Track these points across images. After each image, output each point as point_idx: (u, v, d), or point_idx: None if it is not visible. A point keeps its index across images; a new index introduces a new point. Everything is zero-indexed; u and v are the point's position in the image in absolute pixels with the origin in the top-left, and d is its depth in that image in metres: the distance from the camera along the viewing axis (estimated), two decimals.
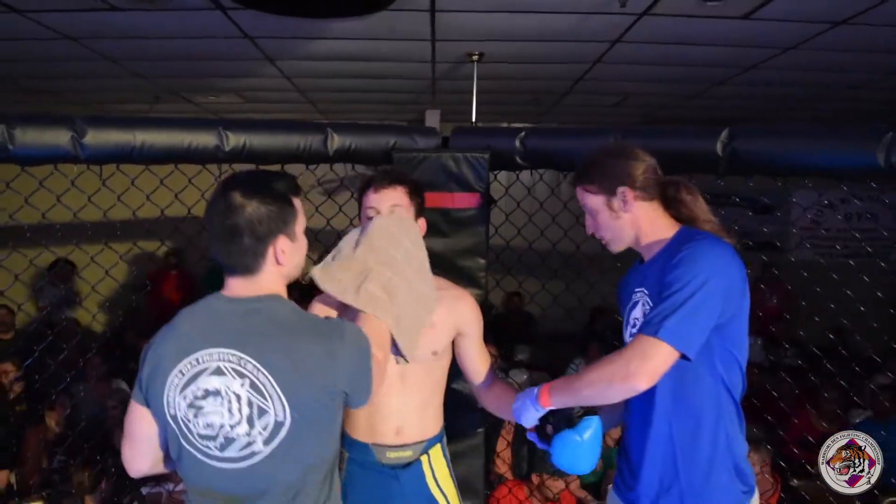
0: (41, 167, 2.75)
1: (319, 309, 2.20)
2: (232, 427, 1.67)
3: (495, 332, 4.95)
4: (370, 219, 2.20)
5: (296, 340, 1.68)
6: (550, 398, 1.98)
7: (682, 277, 1.85)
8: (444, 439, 2.49)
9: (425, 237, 2.88)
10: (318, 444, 1.73)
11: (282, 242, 1.72)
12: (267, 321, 1.69)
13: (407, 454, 2.34)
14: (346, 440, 2.29)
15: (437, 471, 2.42)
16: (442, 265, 2.92)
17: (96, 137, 2.65)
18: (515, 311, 7.64)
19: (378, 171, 2.39)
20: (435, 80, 5.84)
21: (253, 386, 1.65)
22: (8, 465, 4.66)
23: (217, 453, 1.69)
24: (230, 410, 1.66)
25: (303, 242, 1.81)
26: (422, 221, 2.31)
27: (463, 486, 2.62)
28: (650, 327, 1.83)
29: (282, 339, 1.67)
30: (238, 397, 1.66)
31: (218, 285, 1.77)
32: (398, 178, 2.29)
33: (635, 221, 2.02)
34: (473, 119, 4.28)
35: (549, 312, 5.32)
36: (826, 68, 5.20)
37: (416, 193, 2.30)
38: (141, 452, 1.83)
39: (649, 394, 1.95)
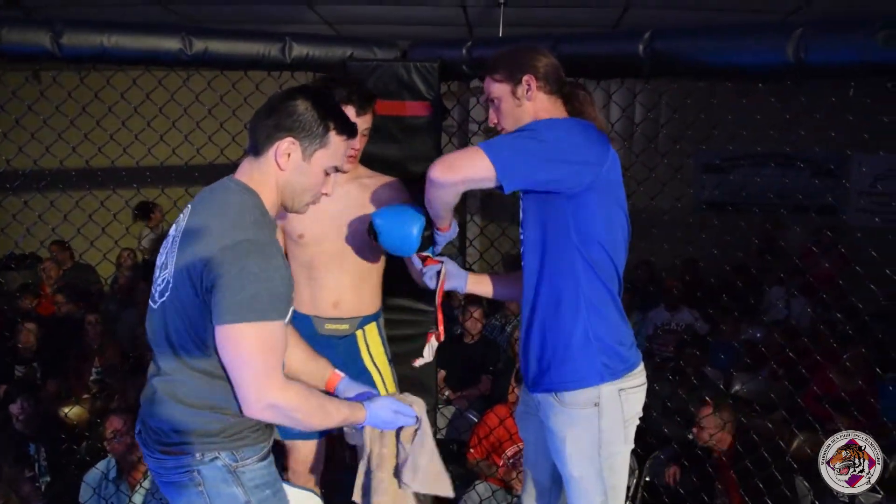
0: None
1: None
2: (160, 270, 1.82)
3: None
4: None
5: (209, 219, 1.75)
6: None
7: (528, 126, 2.00)
8: (381, 320, 2.68)
9: (381, 142, 3.01)
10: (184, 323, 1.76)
11: (292, 146, 1.78)
12: (215, 193, 1.81)
13: (343, 327, 2.56)
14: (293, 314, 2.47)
15: (372, 347, 2.64)
16: (396, 170, 3.02)
17: (73, 38, 2.86)
18: None
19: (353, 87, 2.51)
20: (471, 27, 5.90)
21: (173, 242, 1.80)
22: (55, 376, 5.12)
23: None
24: (164, 255, 1.83)
25: (315, 170, 1.82)
26: None
27: (417, 385, 2.75)
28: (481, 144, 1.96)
29: (204, 212, 1.79)
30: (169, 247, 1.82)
31: None
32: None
33: (535, 112, 2.10)
34: None
35: None
36: None
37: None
38: None
39: (526, 278, 2.09)
